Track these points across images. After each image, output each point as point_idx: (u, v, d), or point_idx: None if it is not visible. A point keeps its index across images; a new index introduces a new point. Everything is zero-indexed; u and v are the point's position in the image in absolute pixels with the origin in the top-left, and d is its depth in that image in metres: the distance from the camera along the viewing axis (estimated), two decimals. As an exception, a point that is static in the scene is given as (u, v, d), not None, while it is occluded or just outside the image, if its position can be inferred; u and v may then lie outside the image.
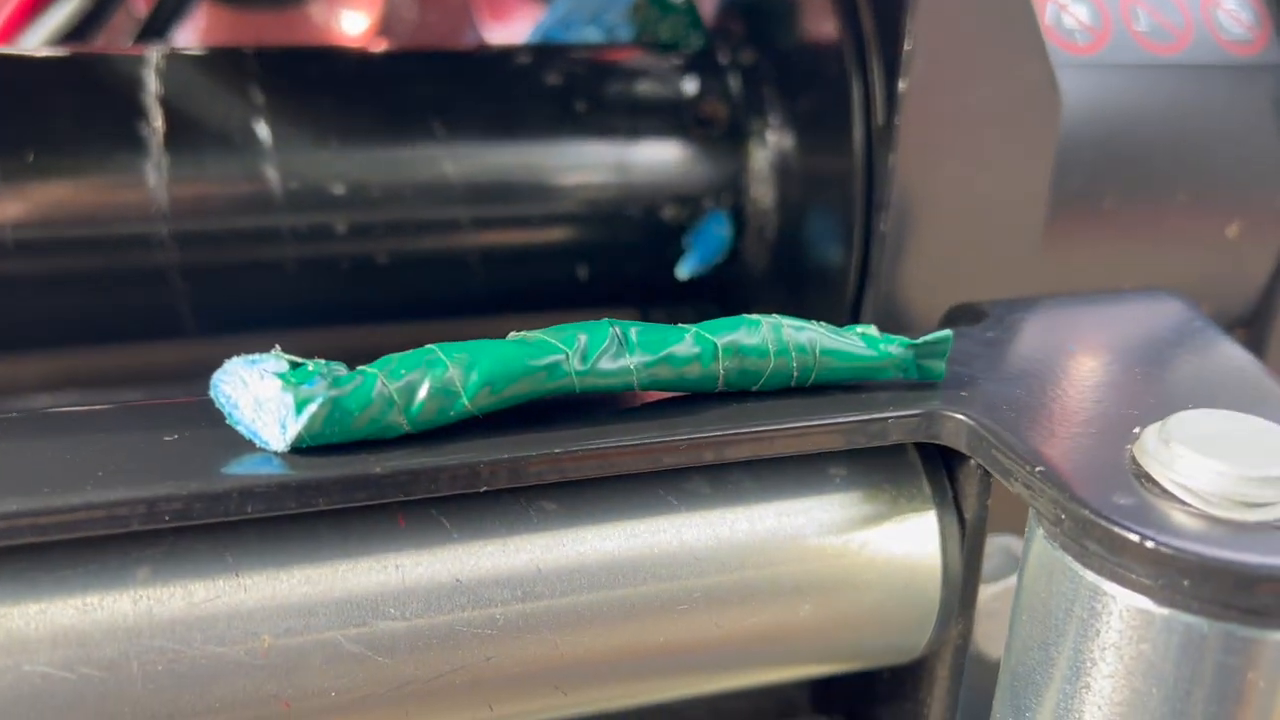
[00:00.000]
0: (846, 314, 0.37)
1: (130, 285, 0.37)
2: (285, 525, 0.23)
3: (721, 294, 0.44)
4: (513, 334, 0.24)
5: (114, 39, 0.50)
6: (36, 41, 0.45)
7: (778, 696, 0.35)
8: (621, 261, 0.42)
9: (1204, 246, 0.40)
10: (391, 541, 0.24)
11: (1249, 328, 0.43)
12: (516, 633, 0.24)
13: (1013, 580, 0.35)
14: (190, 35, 0.55)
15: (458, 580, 0.24)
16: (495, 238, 0.40)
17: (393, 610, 0.23)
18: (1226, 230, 0.40)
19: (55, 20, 0.46)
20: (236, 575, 0.23)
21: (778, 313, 0.41)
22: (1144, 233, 0.39)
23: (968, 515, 0.27)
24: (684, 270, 0.41)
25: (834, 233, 0.37)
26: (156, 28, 0.50)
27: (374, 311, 0.42)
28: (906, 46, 0.33)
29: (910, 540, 0.26)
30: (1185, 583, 0.20)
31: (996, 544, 0.34)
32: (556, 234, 0.41)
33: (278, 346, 0.23)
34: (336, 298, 0.40)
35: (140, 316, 0.38)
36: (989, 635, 0.33)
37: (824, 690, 0.34)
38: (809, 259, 0.39)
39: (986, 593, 0.35)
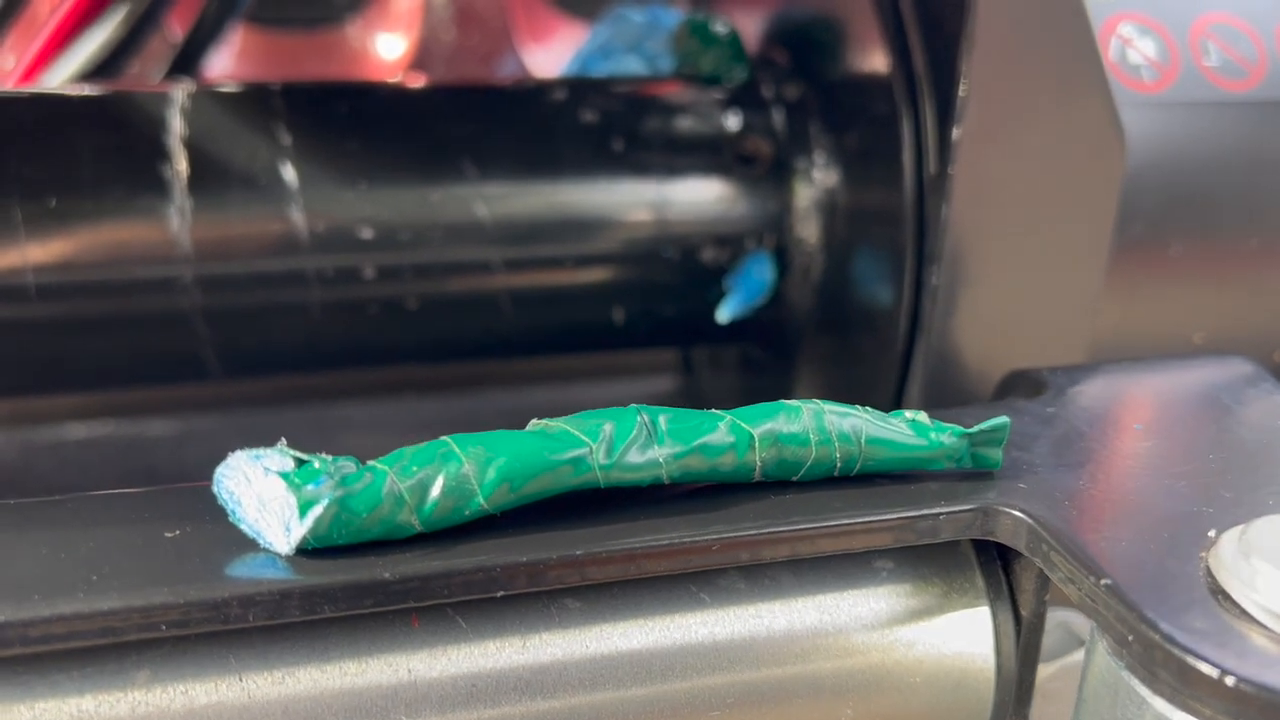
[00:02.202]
0: (897, 364, 0.35)
1: (154, 329, 0.36)
2: (292, 625, 0.22)
3: (764, 336, 0.42)
4: (533, 423, 0.23)
5: (149, 65, 0.49)
6: (70, 70, 0.45)
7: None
8: (661, 304, 0.41)
9: (1278, 293, 0.38)
10: (404, 642, 0.22)
11: (1326, 375, 0.40)
12: (536, 739, 0.22)
13: (1070, 659, 0.33)
14: (226, 59, 0.55)
15: (474, 684, 0.22)
16: (528, 279, 0.39)
17: (404, 715, 0.22)
18: (1303, 275, 0.38)
19: (88, 49, 0.45)
20: (240, 678, 0.22)
21: (824, 358, 0.40)
22: (1214, 280, 0.37)
23: (1024, 611, 0.25)
24: (725, 313, 0.40)
25: (883, 280, 0.35)
26: (192, 53, 0.49)
27: (403, 353, 0.40)
28: (961, 91, 0.31)
29: (962, 638, 0.25)
30: (1268, 723, 0.18)
31: (1055, 619, 0.32)
32: (593, 276, 0.39)
33: (284, 440, 0.21)
34: (364, 340, 0.39)
35: (164, 359, 0.38)
36: (1046, 717, 0.31)
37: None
38: (856, 305, 0.37)
39: (1044, 672, 0.33)
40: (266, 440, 0.22)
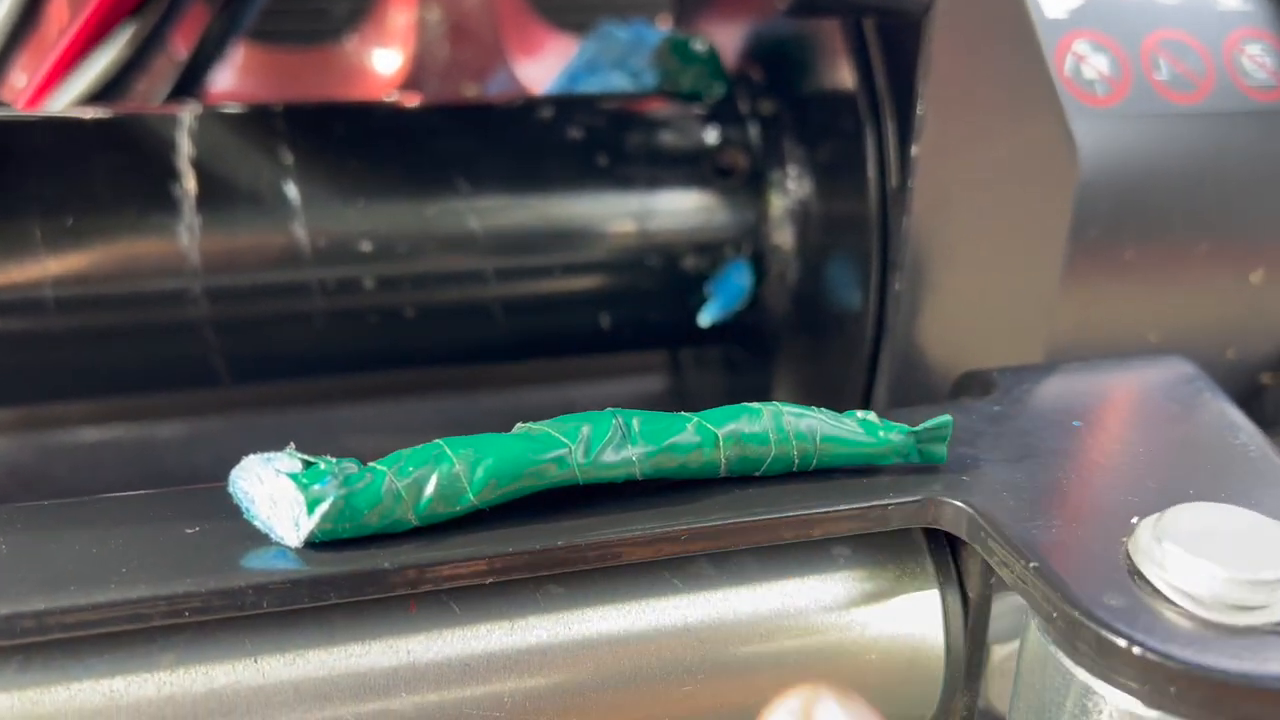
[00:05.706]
0: (865, 364, 0.37)
1: (165, 339, 0.38)
2: (301, 611, 0.24)
3: (744, 338, 0.44)
4: (518, 426, 0.25)
5: (155, 84, 0.51)
6: (80, 89, 0.47)
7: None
8: (646, 309, 0.43)
9: (1228, 294, 0.40)
10: (402, 626, 0.24)
11: (1278, 371, 0.42)
12: (524, 714, 0.25)
13: (1026, 639, 0.35)
14: (229, 76, 0.57)
15: (466, 664, 0.24)
16: (519, 288, 0.41)
17: (404, 693, 0.24)
18: (1251, 277, 0.40)
19: (96, 69, 0.47)
20: (255, 660, 0.24)
21: (800, 358, 0.42)
22: (1166, 282, 0.39)
23: (971, 594, 0.27)
24: (706, 318, 0.42)
25: (851, 285, 0.38)
26: (196, 71, 0.51)
27: (401, 358, 0.43)
28: (919, 111, 0.33)
29: (913, 619, 0.27)
30: (1172, 689, 0.20)
31: (1012, 602, 0.34)
32: (581, 283, 0.42)
33: (292, 444, 0.24)
34: (364, 346, 0.41)
35: (176, 367, 0.40)
36: (1002, 694, 0.34)
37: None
38: (828, 308, 0.40)
39: (1001, 652, 0.35)
40: (271, 441, 0.24)
